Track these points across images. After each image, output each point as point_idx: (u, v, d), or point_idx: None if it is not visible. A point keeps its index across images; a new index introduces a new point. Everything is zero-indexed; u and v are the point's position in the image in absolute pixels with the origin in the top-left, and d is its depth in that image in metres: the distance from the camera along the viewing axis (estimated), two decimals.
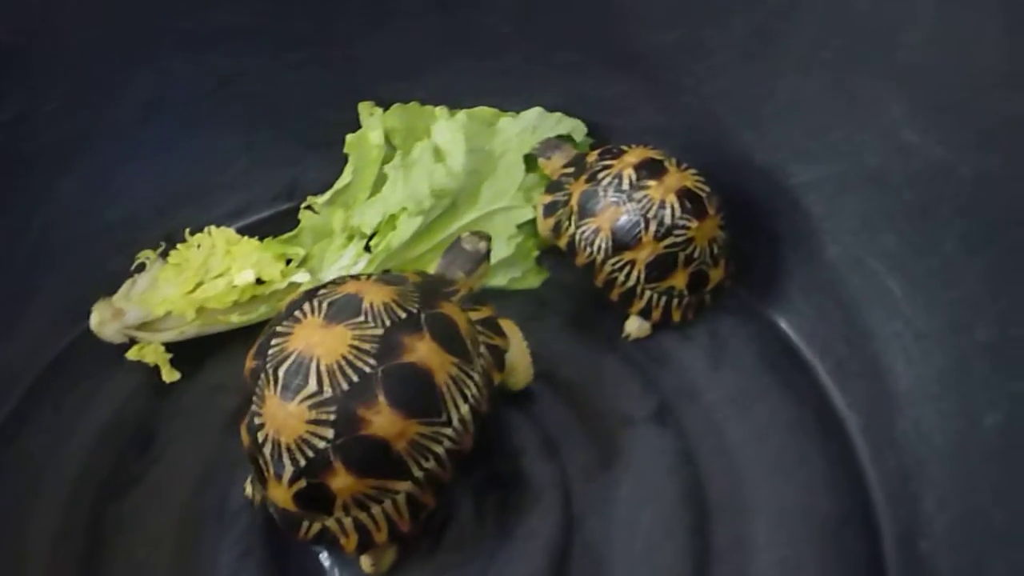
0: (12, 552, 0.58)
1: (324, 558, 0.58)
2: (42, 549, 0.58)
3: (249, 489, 0.59)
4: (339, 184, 0.75)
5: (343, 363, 0.48)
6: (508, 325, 0.61)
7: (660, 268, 0.66)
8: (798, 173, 0.66)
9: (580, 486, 0.60)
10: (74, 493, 0.61)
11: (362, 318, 0.50)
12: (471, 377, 0.53)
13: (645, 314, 0.69)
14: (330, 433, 0.48)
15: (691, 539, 0.58)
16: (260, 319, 0.70)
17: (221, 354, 0.69)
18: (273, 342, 0.51)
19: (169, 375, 0.68)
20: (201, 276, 0.70)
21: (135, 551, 0.59)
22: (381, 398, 0.48)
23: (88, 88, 0.68)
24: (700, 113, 0.70)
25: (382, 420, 0.48)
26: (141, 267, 0.71)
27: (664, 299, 0.68)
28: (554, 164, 0.74)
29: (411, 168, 0.73)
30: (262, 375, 0.50)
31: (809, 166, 0.65)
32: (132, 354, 0.68)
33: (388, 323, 0.50)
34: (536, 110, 0.76)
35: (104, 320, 0.67)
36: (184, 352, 0.68)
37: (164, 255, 0.72)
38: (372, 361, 0.49)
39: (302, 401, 0.48)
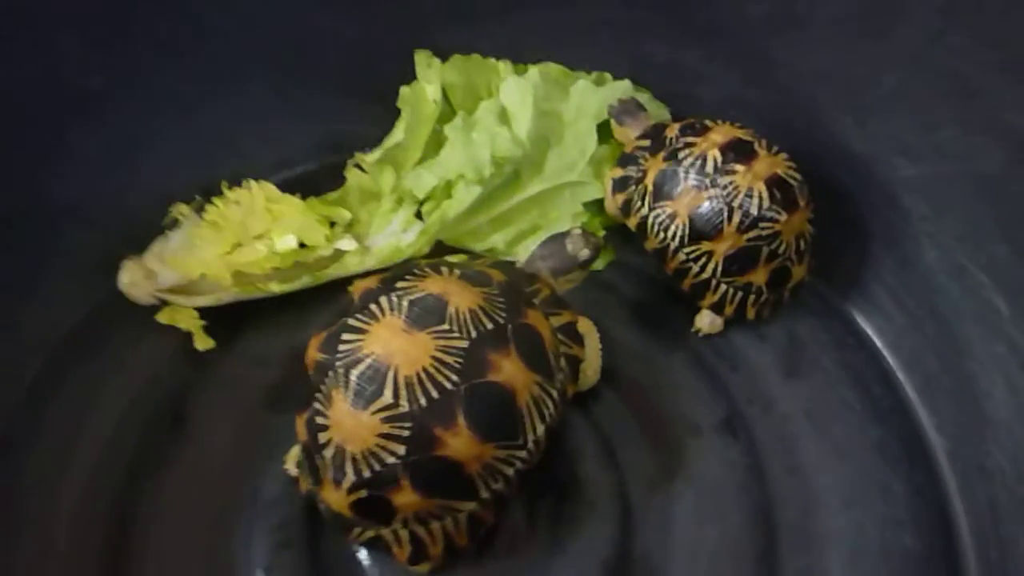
0: (32, 537, 0.55)
1: (364, 556, 0.55)
2: (62, 535, 0.55)
3: (293, 469, 0.55)
4: (390, 141, 0.69)
5: (423, 376, 0.46)
6: (585, 325, 0.57)
7: (740, 262, 0.61)
8: (900, 167, 0.60)
9: (639, 497, 0.57)
10: (97, 474, 0.58)
11: (447, 326, 0.47)
12: (550, 396, 0.50)
13: (718, 309, 0.63)
14: (402, 450, 0.45)
15: (757, 566, 0.55)
16: (302, 287, 0.65)
17: (259, 323, 0.65)
18: (345, 337, 0.47)
19: (203, 342, 0.64)
20: (239, 236, 0.65)
21: (162, 539, 0.55)
22: (461, 419, 0.46)
23: (116, 34, 0.62)
24: (792, 91, 0.64)
25: (459, 443, 0.46)
26: (175, 223, 0.67)
27: (740, 295, 0.62)
28: (628, 132, 0.68)
29: (472, 130, 0.67)
30: (331, 373, 0.47)
31: (914, 162, 0.60)
32: (163, 317, 0.64)
33: (474, 334, 0.47)
34: (623, 83, 0.69)
35: (135, 281, 0.63)
36: (219, 319, 0.64)
37: (200, 211, 0.67)
38: (455, 377, 0.46)
39: (376, 412, 0.45)
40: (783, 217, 0.59)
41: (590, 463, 0.58)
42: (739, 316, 0.63)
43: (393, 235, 0.67)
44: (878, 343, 0.64)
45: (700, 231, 0.60)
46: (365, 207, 0.68)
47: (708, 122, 0.63)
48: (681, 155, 0.61)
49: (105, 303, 0.64)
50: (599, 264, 0.68)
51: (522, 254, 0.66)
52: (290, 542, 0.55)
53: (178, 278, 0.63)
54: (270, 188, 0.67)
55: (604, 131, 0.69)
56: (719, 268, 0.61)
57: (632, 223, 0.64)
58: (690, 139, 0.62)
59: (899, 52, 0.57)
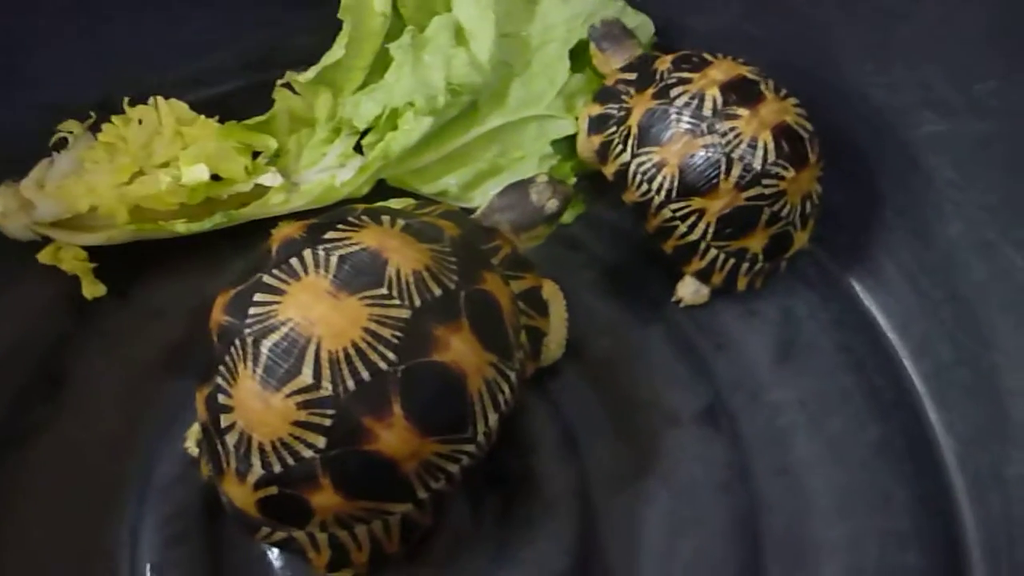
0: None
1: (275, 557, 0.47)
2: None
3: (194, 448, 0.48)
4: (328, 59, 0.59)
5: (352, 352, 0.38)
6: (549, 288, 0.50)
7: (736, 224, 0.53)
8: (926, 122, 0.54)
9: (604, 499, 0.50)
10: None
11: (385, 290, 0.39)
12: (507, 378, 0.43)
13: (704, 277, 0.56)
14: (322, 442, 0.38)
15: None
16: (214, 228, 0.56)
17: (161, 269, 0.56)
18: (257, 298, 0.40)
19: (91, 289, 0.55)
20: (140, 163, 0.56)
21: (29, 524, 0.48)
22: (396, 408, 0.38)
23: None
24: (807, 25, 0.57)
25: (392, 436, 0.39)
26: (63, 143, 0.57)
27: (732, 262, 0.54)
28: (611, 61, 0.59)
29: (423, 50, 0.58)
30: (237, 341, 0.40)
31: (943, 117, 0.53)
32: (45, 257, 0.55)
33: (418, 303, 0.40)
34: None
35: (8, 211, 0.54)
36: (113, 262, 0.55)
37: (94, 129, 0.57)
38: (392, 356, 0.39)
39: (291, 395, 0.38)
40: (790, 174, 0.51)
41: (548, 455, 0.51)
42: (728, 286, 0.56)
43: (327, 171, 0.58)
44: (884, 325, 0.57)
45: (691, 185, 0.52)
46: (294, 136, 0.59)
47: (707, 56, 0.54)
48: (673, 93, 0.53)
49: None
50: (567, 217, 0.59)
51: (479, 199, 0.59)
52: (186, 536, 0.48)
53: (62, 210, 0.54)
54: (181, 107, 0.58)
55: (578, 59, 0.60)
56: (710, 230, 0.53)
57: (609, 171, 0.56)
58: (685, 74, 0.54)
59: None
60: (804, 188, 0.53)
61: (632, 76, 0.57)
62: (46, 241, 0.55)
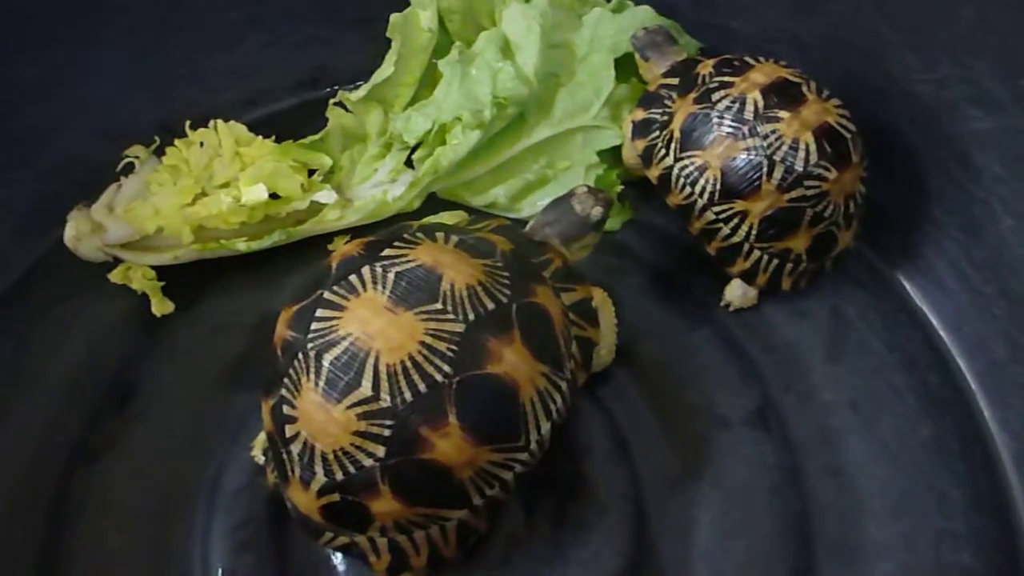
0: None
1: (338, 562, 0.48)
2: None
3: (260, 457, 0.49)
4: (378, 77, 0.60)
5: (409, 365, 0.39)
6: (599, 296, 0.50)
7: (779, 226, 0.52)
8: (974, 119, 0.52)
9: (656, 501, 0.50)
10: (31, 458, 0.51)
11: (440, 305, 0.40)
12: (559, 388, 0.43)
13: (748, 277, 0.55)
14: (381, 451, 0.40)
15: None
16: (273, 245, 0.57)
17: (224, 286, 0.58)
18: (319, 313, 0.41)
19: (160, 306, 0.56)
20: (203, 184, 0.58)
21: (106, 534, 0.49)
22: (452, 418, 0.39)
23: None
24: (849, 24, 0.56)
25: (448, 445, 0.40)
26: (129, 167, 0.59)
27: (776, 262, 0.54)
28: (654, 68, 0.59)
29: (470, 65, 0.59)
30: (300, 355, 0.41)
31: (991, 113, 0.51)
32: (116, 276, 0.56)
33: (471, 316, 0.41)
34: (644, 9, 0.60)
35: (81, 234, 0.56)
36: (179, 279, 0.57)
37: (158, 153, 0.59)
38: (447, 368, 0.39)
39: (351, 406, 0.39)
40: (832, 175, 0.51)
41: (599, 459, 0.51)
42: (773, 286, 0.55)
43: (379, 186, 0.59)
44: (936, 324, 0.56)
45: (734, 187, 0.52)
46: (347, 153, 0.61)
47: (749, 59, 0.54)
48: (715, 97, 0.53)
49: (48, 259, 0.57)
50: (614, 223, 0.60)
51: (527, 210, 0.59)
52: (254, 542, 0.48)
53: (131, 232, 0.56)
54: (239, 129, 0.59)
55: (624, 68, 0.60)
56: (753, 231, 0.53)
57: (653, 174, 0.56)
58: (727, 78, 0.53)
59: None
60: (847, 188, 0.52)
61: (675, 81, 0.57)
62: (117, 262, 0.57)
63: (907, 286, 0.57)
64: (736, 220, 0.53)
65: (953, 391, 0.54)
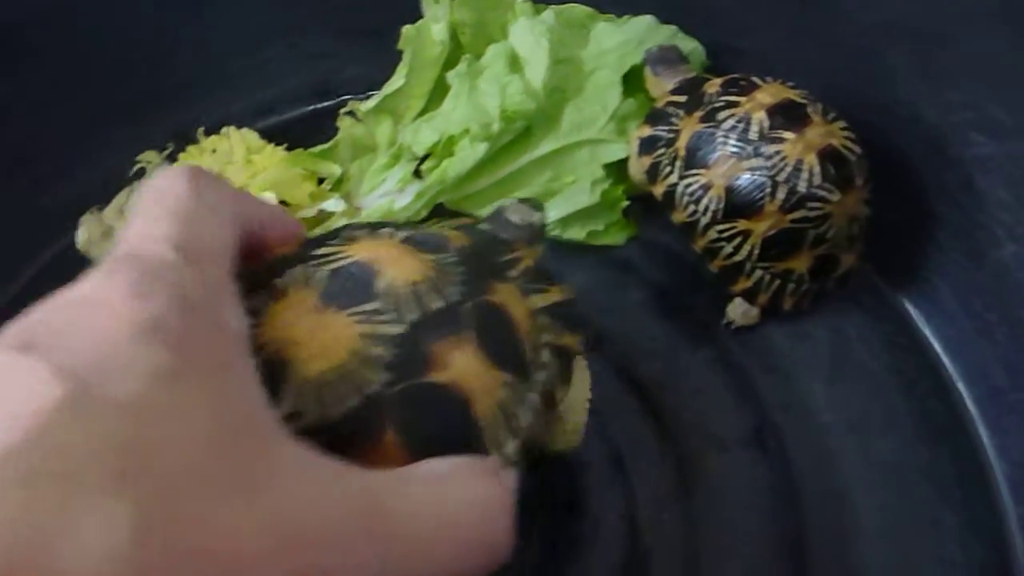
0: None
1: None
2: None
3: None
4: (389, 88, 0.61)
5: (336, 380, 0.32)
6: (577, 365, 0.43)
7: (781, 246, 0.52)
8: (978, 144, 0.51)
9: (651, 520, 0.49)
10: None
11: (376, 304, 0.33)
12: (525, 401, 0.36)
13: (750, 296, 0.55)
14: None
15: None
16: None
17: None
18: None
19: None
20: None
21: None
22: (389, 435, 0.32)
23: None
24: (855, 47, 0.55)
25: (387, 466, 0.32)
26: (142, 173, 0.60)
27: (778, 282, 0.54)
28: (663, 84, 0.59)
29: (479, 77, 0.59)
30: None
31: (994, 138, 0.51)
32: None
33: (413, 317, 0.34)
34: (646, 19, 0.60)
35: (93, 238, 0.57)
36: None
37: (172, 159, 0.60)
38: (384, 376, 0.32)
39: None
40: (836, 197, 0.51)
41: (595, 476, 0.50)
42: (774, 306, 0.55)
43: (387, 195, 0.60)
44: (937, 348, 0.55)
45: (737, 207, 0.52)
46: (357, 163, 0.61)
47: (756, 79, 0.54)
48: (720, 116, 0.53)
49: (60, 262, 0.57)
50: (619, 238, 0.59)
51: None
52: None
53: None
54: (251, 136, 0.60)
55: (631, 83, 0.60)
56: (756, 251, 0.53)
57: (658, 191, 0.56)
58: (733, 97, 0.53)
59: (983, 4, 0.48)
60: (850, 211, 0.52)
61: (682, 99, 0.56)
62: None
63: (909, 309, 0.57)
64: (739, 239, 0.53)
65: (952, 416, 0.53)
